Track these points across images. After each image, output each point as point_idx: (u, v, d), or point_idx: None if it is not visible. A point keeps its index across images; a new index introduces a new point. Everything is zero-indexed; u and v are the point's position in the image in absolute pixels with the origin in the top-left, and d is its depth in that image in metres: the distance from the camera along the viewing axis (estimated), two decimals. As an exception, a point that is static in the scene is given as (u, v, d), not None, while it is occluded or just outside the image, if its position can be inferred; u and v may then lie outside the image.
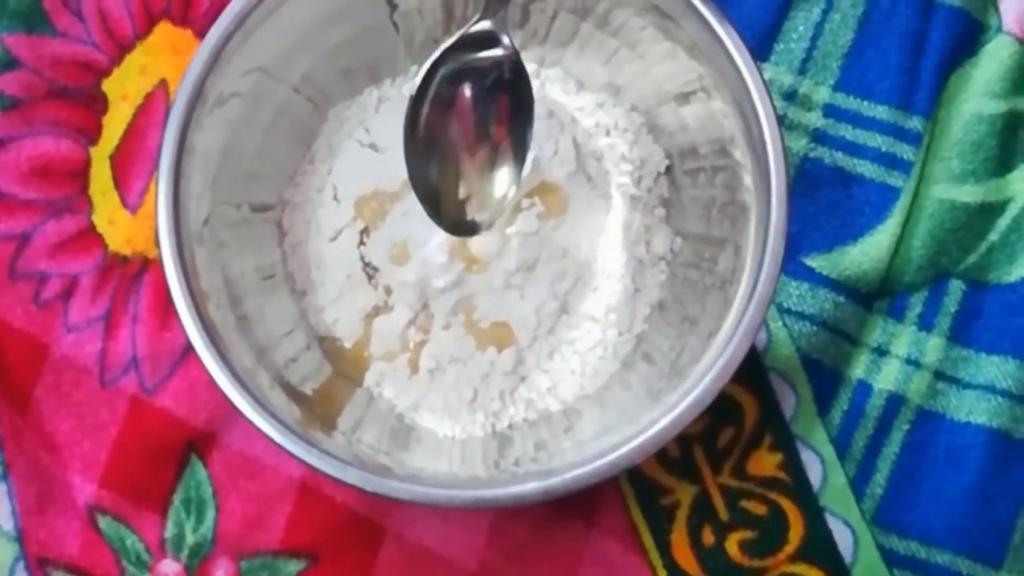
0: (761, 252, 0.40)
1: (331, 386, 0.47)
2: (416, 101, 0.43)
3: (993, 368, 0.51)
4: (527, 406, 0.47)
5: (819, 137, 0.52)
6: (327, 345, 0.48)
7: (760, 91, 0.41)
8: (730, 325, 0.40)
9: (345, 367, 0.48)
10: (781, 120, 0.43)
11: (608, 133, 0.49)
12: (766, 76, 0.43)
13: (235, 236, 0.45)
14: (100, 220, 0.53)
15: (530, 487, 0.39)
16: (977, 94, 0.52)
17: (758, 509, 0.51)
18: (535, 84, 0.49)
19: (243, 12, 0.42)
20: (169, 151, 0.42)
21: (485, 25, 0.43)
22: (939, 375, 0.51)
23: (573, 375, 0.47)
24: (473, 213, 0.45)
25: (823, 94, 0.53)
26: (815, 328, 0.51)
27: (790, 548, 0.50)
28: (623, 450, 0.39)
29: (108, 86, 0.54)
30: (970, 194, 0.51)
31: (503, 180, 0.44)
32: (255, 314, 0.45)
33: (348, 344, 0.48)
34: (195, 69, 0.42)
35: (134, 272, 0.53)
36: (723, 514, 0.51)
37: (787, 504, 0.51)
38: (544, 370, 0.47)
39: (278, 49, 0.45)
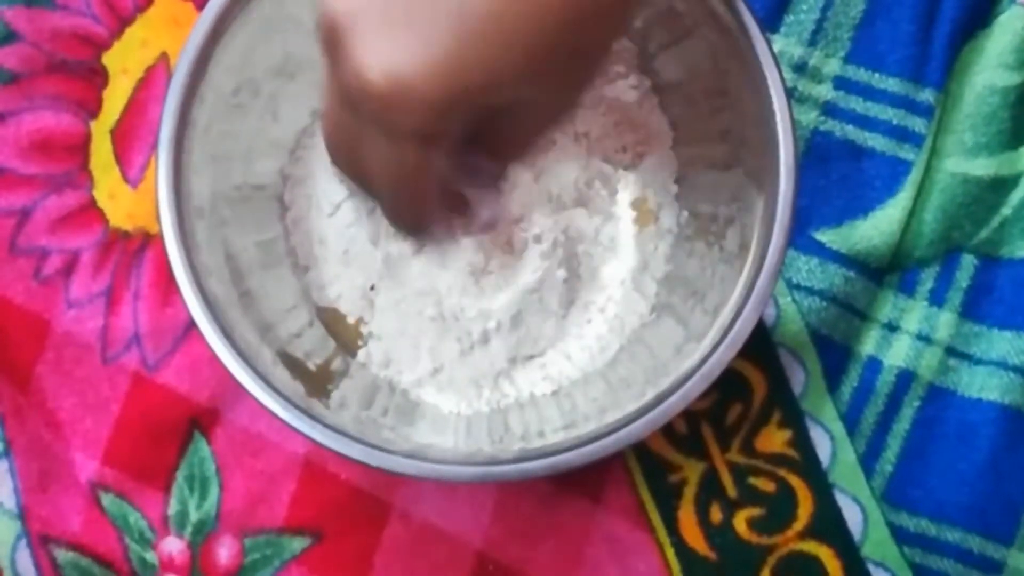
0: (769, 223, 0.40)
1: (335, 362, 0.46)
2: None
3: (1005, 344, 0.50)
4: (533, 382, 0.47)
5: (829, 110, 0.52)
6: (330, 320, 0.47)
7: (769, 63, 0.40)
8: (738, 298, 0.40)
9: (348, 342, 0.47)
10: (791, 92, 0.42)
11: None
12: (776, 48, 0.42)
13: (237, 211, 0.45)
14: (101, 195, 0.53)
15: (536, 463, 0.39)
16: (990, 66, 0.51)
17: (767, 486, 0.50)
18: None
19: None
20: (169, 125, 0.41)
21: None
22: (950, 351, 0.51)
23: (580, 351, 0.47)
24: None
25: (833, 66, 0.52)
26: (825, 303, 0.50)
27: (799, 525, 0.50)
28: (630, 426, 0.39)
29: (108, 59, 0.54)
30: (982, 168, 0.51)
31: None
32: (258, 290, 0.44)
33: (351, 320, 0.47)
34: (195, 41, 0.41)
35: (136, 247, 0.52)
36: (731, 491, 0.50)
37: (796, 481, 0.50)
38: (551, 346, 0.47)
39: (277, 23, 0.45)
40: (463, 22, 0.32)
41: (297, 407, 0.39)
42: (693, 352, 0.40)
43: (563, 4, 0.33)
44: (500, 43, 0.33)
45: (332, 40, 0.34)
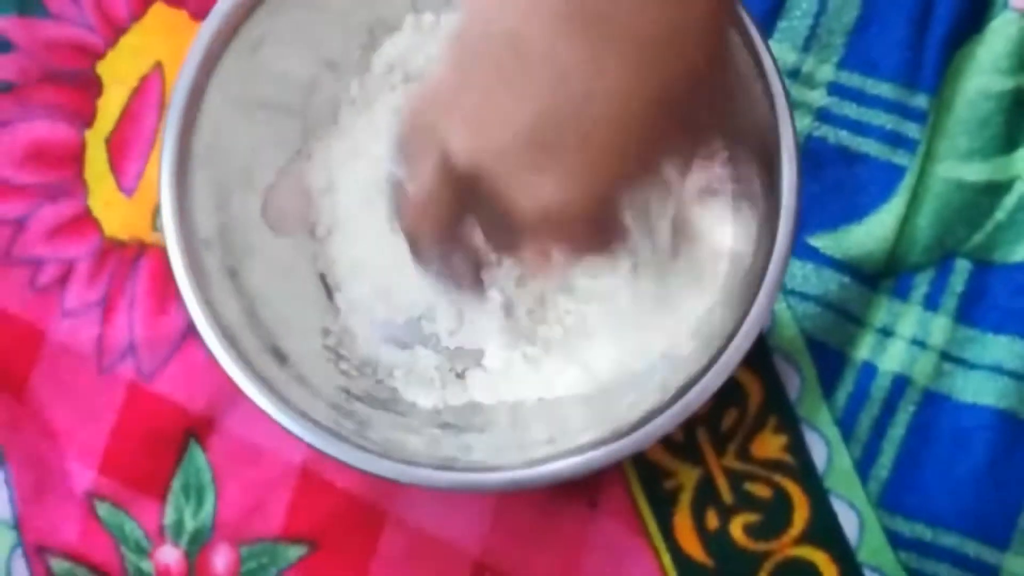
0: (771, 235, 0.40)
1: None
2: None
3: (1000, 348, 0.50)
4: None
5: (823, 116, 0.52)
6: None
7: (772, 72, 0.40)
8: (741, 308, 0.40)
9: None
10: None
11: None
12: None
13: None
14: (96, 204, 0.53)
15: (533, 472, 0.39)
16: (983, 71, 0.51)
17: (762, 492, 0.50)
18: None
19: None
20: (171, 151, 0.41)
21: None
22: (945, 356, 0.51)
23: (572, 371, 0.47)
24: None
25: (827, 72, 0.52)
26: (820, 309, 0.50)
27: (795, 531, 0.50)
28: (631, 436, 0.39)
29: (103, 68, 0.54)
30: (976, 172, 0.51)
31: None
32: (264, 303, 0.44)
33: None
34: (189, 71, 0.42)
35: (131, 256, 0.52)
36: (727, 497, 0.50)
37: (792, 487, 0.50)
38: (538, 369, 0.47)
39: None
40: (586, 152, 0.34)
41: (295, 411, 0.39)
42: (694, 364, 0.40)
43: (659, 104, 0.34)
44: (619, 155, 0.35)
45: (474, 179, 0.35)
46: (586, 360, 0.46)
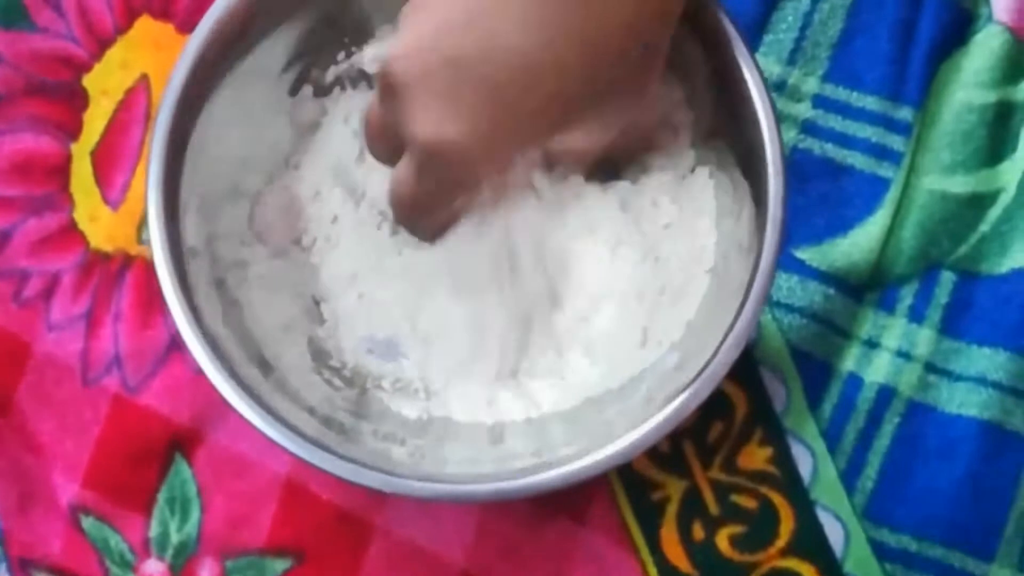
0: (757, 247, 0.40)
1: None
2: None
3: (984, 360, 0.50)
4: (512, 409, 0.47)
5: (808, 128, 0.52)
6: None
7: (758, 85, 0.41)
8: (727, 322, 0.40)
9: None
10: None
11: None
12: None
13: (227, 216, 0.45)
14: (81, 217, 0.53)
15: (517, 484, 0.39)
16: (967, 84, 0.52)
17: (748, 503, 0.50)
18: None
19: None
20: (159, 153, 0.41)
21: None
22: (930, 367, 0.51)
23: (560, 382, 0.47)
24: None
25: (812, 85, 0.52)
26: (805, 321, 0.51)
27: (781, 542, 0.50)
28: (617, 448, 0.39)
29: (89, 81, 0.54)
30: (960, 185, 0.51)
31: None
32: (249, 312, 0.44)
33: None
34: (180, 75, 0.42)
35: (116, 269, 0.52)
36: (713, 509, 0.50)
37: (777, 498, 0.50)
38: (529, 378, 0.47)
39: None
40: (491, 95, 0.38)
41: (280, 422, 0.39)
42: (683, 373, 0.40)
43: (568, 73, 0.38)
44: (522, 110, 0.39)
45: (389, 92, 0.40)
46: (571, 379, 0.46)
